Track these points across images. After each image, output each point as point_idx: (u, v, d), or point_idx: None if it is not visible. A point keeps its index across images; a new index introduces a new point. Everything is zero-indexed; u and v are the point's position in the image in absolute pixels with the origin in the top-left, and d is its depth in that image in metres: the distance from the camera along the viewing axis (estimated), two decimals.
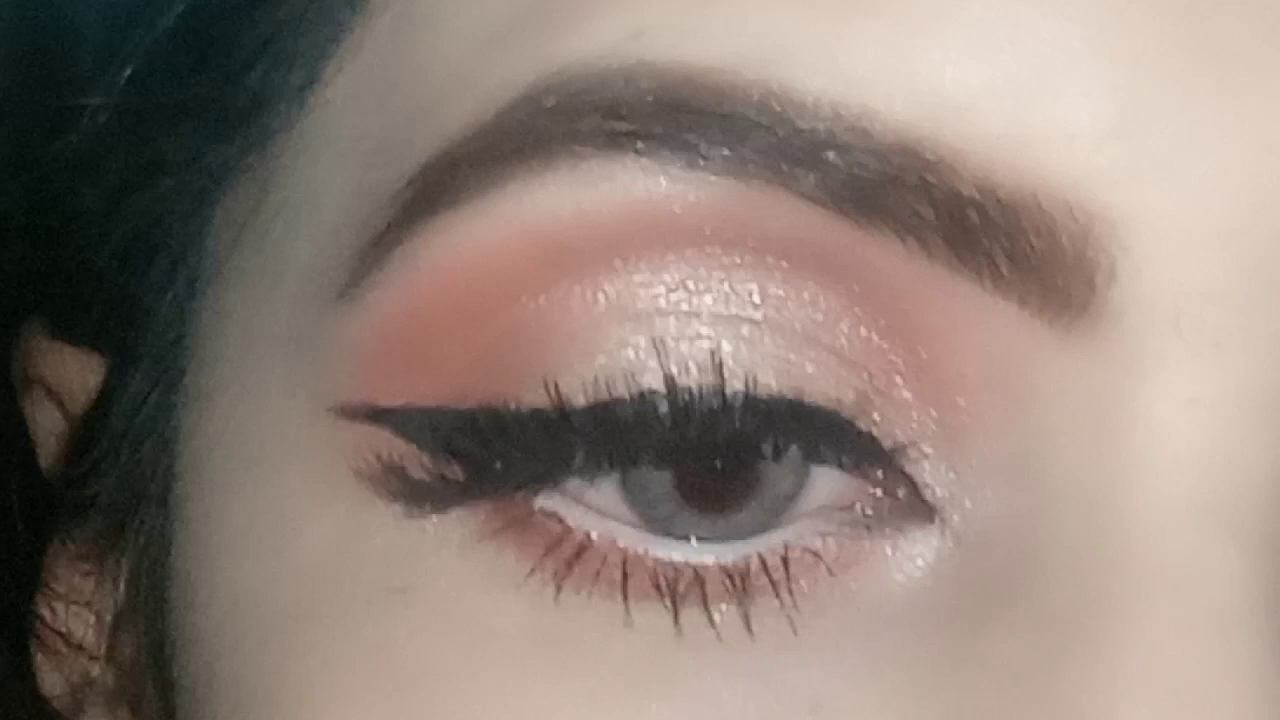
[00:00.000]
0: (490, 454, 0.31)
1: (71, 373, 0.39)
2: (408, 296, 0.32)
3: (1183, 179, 0.29)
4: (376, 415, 0.32)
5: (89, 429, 0.38)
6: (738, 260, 0.31)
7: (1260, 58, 0.30)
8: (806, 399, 0.31)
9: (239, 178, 0.35)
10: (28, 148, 0.38)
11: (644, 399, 0.31)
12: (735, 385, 0.30)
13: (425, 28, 0.32)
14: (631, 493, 0.31)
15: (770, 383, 0.30)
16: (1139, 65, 0.29)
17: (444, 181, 0.31)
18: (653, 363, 0.31)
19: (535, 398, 0.31)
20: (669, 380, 0.31)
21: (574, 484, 0.31)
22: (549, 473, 0.31)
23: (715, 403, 0.30)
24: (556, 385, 0.31)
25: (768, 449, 0.31)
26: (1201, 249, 0.29)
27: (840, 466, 0.31)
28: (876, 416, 0.31)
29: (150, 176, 0.36)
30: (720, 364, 0.31)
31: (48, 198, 0.38)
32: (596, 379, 0.31)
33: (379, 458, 0.32)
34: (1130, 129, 0.29)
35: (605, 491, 0.31)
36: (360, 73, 0.33)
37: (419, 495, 0.32)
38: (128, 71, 0.36)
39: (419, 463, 0.32)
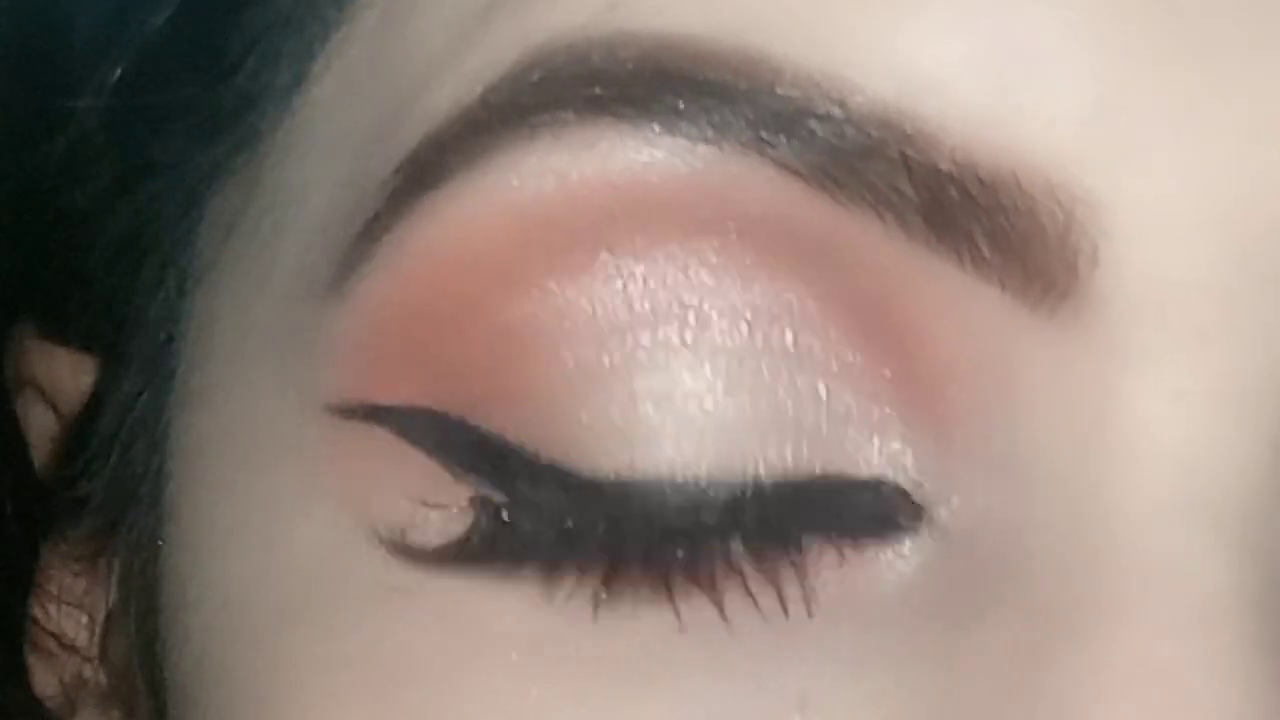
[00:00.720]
0: (487, 445, 0.31)
1: (64, 373, 0.39)
2: (397, 286, 0.31)
3: (1166, 167, 0.29)
4: (369, 413, 0.32)
5: (81, 430, 0.39)
6: (718, 245, 0.31)
7: (1246, 47, 0.29)
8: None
9: (228, 178, 0.35)
10: (17, 149, 0.38)
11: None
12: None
13: (409, 18, 0.33)
14: None
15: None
16: (1123, 51, 0.29)
17: (431, 163, 0.31)
18: (642, 351, 0.31)
19: (530, 385, 0.31)
20: (660, 368, 0.31)
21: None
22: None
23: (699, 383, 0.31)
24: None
25: None
26: (1186, 238, 0.29)
27: None
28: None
29: (139, 178, 0.36)
30: (708, 351, 0.31)
31: (37, 199, 0.38)
32: (590, 362, 0.31)
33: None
34: (1112, 114, 0.29)
35: None
36: (347, 69, 0.33)
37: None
38: (116, 74, 0.36)
39: (413, 459, 0.32)
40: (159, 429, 0.36)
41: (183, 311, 0.36)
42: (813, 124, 0.30)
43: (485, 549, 0.31)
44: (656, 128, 0.30)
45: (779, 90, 0.30)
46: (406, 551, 0.31)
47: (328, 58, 0.34)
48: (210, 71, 0.35)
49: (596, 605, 0.31)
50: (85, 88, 0.36)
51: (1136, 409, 0.29)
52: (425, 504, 0.32)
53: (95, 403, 0.38)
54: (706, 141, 0.30)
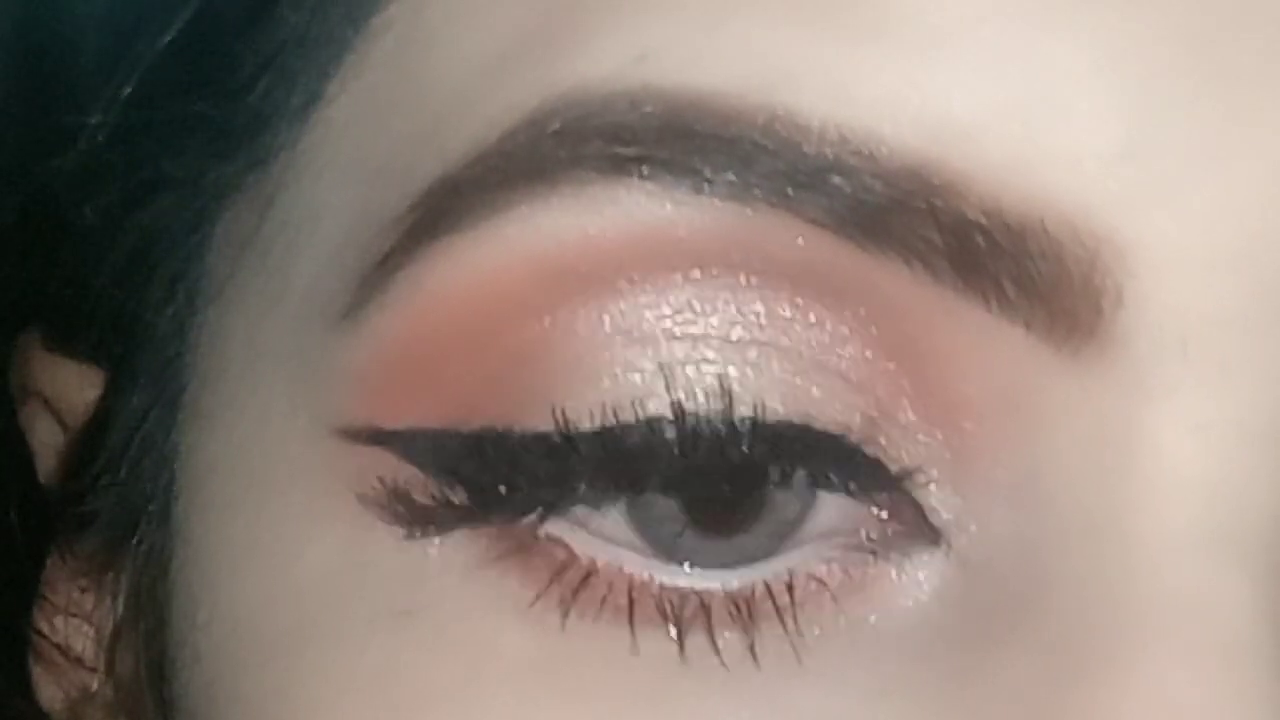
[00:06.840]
0: (494, 480, 0.31)
1: (70, 386, 0.39)
2: (411, 320, 0.31)
3: (1190, 203, 0.29)
4: (379, 437, 0.32)
5: (88, 443, 0.38)
6: (743, 282, 0.31)
7: (1267, 82, 0.29)
8: (814, 424, 0.30)
9: (240, 196, 0.35)
10: (27, 163, 0.38)
11: (651, 425, 0.30)
12: (743, 411, 0.30)
13: (428, 49, 0.32)
14: (637, 517, 0.31)
15: (777, 408, 0.30)
16: (1146, 89, 0.29)
17: (447, 205, 0.31)
18: (659, 388, 0.31)
19: (540, 423, 0.31)
20: (676, 406, 0.30)
21: (580, 510, 0.31)
22: (554, 501, 0.31)
23: (723, 429, 0.30)
24: (563, 411, 0.31)
25: (775, 474, 0.31)
26: (1209, 274, 0.29)
27: (848, 492, 0.31)
28: (883, 441, 0.31)
29: (150, 193, 0.36)
30: (728, 389, 0.30)
31: (47, 213, 0.38)
32: (603, 405, 0.31)
33: (382, 482, 0.32)
34: (1137, 153, 0.29)
35: (611, 517, 0.31)
36: (362, 92, 0.33)
37: (422, 520, 0.32)
38: (128, 89, 0.35)
39: (422, 486, 0.32)
40: (168, 446, 0.36)
41: (193, 328, 0.36)
42: (839, 180, 0.29)
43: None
44: (682, 188, 0.30)
45: (806, 149, 0.29)
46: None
47: (343, 79, 0.33)
48: (222, 88, 0.35)
49: (608, 629, 0.31)
50: (96, 102, 0.36)
51: (1159, 442, 0.29)
52: (427, 521, 0.32)
53: (102, 417, 0.38)
54: (733, 199, 0.30)
